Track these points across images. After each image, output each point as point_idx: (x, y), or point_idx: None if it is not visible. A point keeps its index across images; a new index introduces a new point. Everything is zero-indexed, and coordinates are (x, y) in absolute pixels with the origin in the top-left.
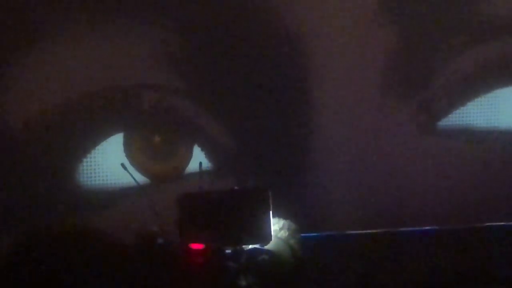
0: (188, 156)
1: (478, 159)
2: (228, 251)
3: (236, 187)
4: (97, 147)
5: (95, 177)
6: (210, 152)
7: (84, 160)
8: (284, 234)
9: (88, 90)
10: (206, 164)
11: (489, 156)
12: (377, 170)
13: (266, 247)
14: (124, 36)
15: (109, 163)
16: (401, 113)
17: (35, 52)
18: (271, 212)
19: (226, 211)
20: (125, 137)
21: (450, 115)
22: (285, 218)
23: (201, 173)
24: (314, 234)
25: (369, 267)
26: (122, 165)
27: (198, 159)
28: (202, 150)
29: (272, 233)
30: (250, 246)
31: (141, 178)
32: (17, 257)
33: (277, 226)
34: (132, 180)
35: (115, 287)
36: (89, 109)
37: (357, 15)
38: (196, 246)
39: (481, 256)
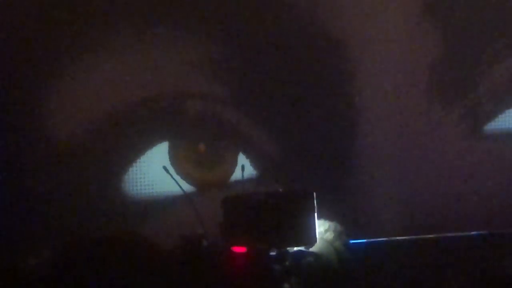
0: (233, 163)
1: None
2: (272, 253)
3: (280, 189)
4: (142, 156)
5: (140, 185)
6: (255, 159)
7: (130, 168)
8: (329, 236)
9: (133, 99)
10: (252, 171)
11: None
12: (423, 175)
13: (311, 249)
14: (168, 44)
15: (155, 171)
16: (446, 118)
17: (82, 63)
18: (316, 214)
19: (270, 213)
20: (170, 146)
21: (496, 119)
22: (330, 220)
23: (243, 176)
24: (360, 240)
25: (416, 273)
26: (164, 168)
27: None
28: (247, 157)
29: (317, 235)
30: (295, 249)
31: (185, 185)
32: (62, 263)
33: (322, 228)
34: (176, 186)
35: None
36: (135, 117)
37: (401, 20)
38: (240, 249)
39: None
